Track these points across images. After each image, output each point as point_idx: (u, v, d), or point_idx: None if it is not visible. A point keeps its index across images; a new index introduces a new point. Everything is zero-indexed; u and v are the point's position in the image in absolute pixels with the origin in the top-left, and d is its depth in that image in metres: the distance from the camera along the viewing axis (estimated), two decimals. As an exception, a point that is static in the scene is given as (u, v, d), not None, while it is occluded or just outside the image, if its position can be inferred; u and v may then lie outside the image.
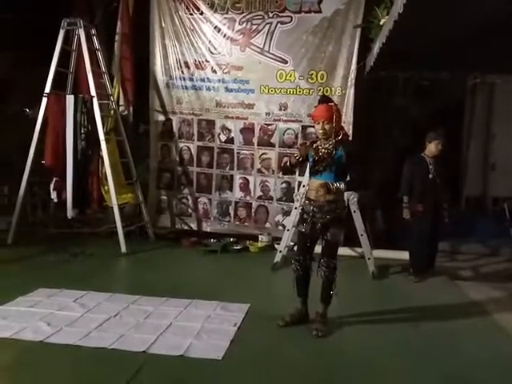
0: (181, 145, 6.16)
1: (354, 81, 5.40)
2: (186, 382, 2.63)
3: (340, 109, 3.50)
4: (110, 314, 3.50)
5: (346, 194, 4.71)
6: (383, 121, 5.66)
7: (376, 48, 4.50)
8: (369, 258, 4.82)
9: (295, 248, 3.87)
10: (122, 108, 6.14)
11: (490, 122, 6.93)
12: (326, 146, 3.22)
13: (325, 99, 3.33)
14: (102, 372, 2.70)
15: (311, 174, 3.34)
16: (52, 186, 5.58)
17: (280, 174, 5.75)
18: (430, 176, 4.67)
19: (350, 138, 4.03)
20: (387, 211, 5.97)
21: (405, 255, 5.06)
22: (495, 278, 4.89)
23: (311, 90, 5.60)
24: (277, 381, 2.70)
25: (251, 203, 5.98)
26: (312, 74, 5.57)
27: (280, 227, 5.80)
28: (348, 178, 3.27)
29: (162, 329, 3.25)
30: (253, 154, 5.90)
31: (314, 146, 3.28)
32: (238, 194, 6.01)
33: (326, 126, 3.20)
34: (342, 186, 3.22)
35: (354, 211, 4.77)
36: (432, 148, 4.63)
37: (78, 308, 3.62)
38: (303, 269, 3.36)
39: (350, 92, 5.45)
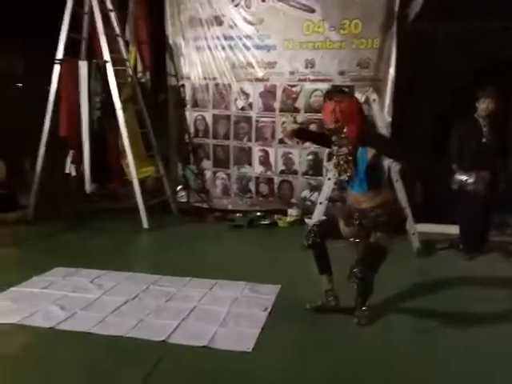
0: (195, 114, 5.68)
1: (395, 32, 4.73)
2: (212, 378, 2.29)
3: (350, 99, 2.78)
4: (128, 296, 3.20)
5: (387, 160, 4.34)
6: (427, 80, 4.99)
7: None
8: (413, 233, 4.31)
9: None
10: (139, 75, 5.73)
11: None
12: (343, 152, 2.72)
13: (330, 94, 2.76)
14: (117, 365, 2.40)
15: (341, 184, 2.89)
16: (69, 160, 5.31)
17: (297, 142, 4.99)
18: (484, 140, 4.09)
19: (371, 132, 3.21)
20: (429, 182, 5.41)
21: (451, 229, 4.56)
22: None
23: (343, 43, 4.95)
24: (315, 377, 2.32)
25: (273, 178, 5.46)
26: (344, 24, 4.91)
27: (308, 203, 5.33)
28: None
29: (184, 313, 2.92)
30: (274, 122, 5.33)
31: (334, 154, 2.79)
32: (257, 168, 5.49)
33: (334, 130, 2.69)
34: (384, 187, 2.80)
35: (397, 180, 4.26)
36: (482, 108, 4.04)
37: (94, 289, 3.34)
38: (314, 240, 2.89)
39: (391, 45, 4.79)
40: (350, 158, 2.71)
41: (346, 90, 3.82)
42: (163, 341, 2.58)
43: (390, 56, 4.85)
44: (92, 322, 2.80)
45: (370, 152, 2.67)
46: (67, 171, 5.39)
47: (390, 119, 4.92)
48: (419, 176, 4.95)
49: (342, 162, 2.74)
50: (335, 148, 2.79)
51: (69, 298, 3.17)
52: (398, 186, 4.26)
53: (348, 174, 2.73)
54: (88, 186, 5.26)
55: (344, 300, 2.92)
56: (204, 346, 2.52)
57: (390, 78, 4.89)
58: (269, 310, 2.99)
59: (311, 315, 2.94)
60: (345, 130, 2.67)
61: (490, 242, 4.47)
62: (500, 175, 4.17)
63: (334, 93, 2.81)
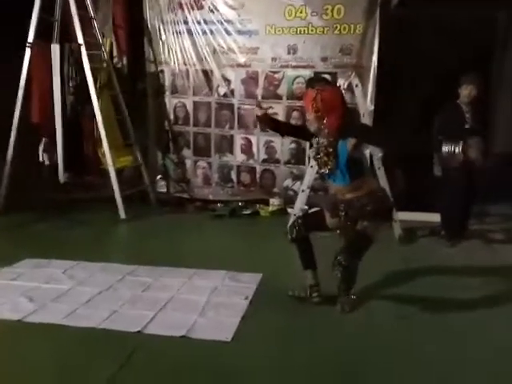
0: (175, 100, 5.50)
1: (378, 17, 4.65)
2: (189, 369, 2.18)
3: (333, 88, 2.73)
4: (102, 287, 3.06)
5: (370, 148, 4.28)
6: (410, 66, 4.94)
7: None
8: (395, 221, 4.28)
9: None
10: (115, 60, 5.51)
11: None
12: (323, 143, 2.61)
13: (312, 82, 2.68)
14: (89, 357, 2.26)
15: (322, 178, 2.79)
16: (41, 148, 5.08)
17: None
18: (467, 126, 4.06)
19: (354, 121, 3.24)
20: (409, 170, 5.39)
21: (432, 217, 4.55)
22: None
23: (326, 29, 4.84)
24: (297, 366, 2.23)
25: (255, 167, 5.34)
26: (327, 9, 4.80)
27: (290, 192, 5.24)
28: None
29: (161, 303, 2.80)
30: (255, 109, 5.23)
31: (314, 145, 2.69)
32: (239, 156, 5.37)
33: (313, 119, 2.58)
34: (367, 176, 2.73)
35: (379, 168, 4.21)
36: (465, 94, 4.01)
37: (66, 280, 3.18)
38: (299, 234, 2.80)
39: (374, 31, 4.71)
40: (331, 149, 2.60)
41: (329, 78, 3.72)
42: (138, 331, 2.46)
43: (373, 42, 4.77)
44: (62, 313, 2.65)
45: (350, 143, 2.57)
46: (40, 160, 5.15)
47: (372, 107, 4.86)
48: (402, 157, 4.91)
49: (321, 155, 2.63)
50: (315, 140, 2.69)
51: (38, 290, 3.00)
52: (381, 174, 4.22)
53: (329, 167, 2.62)
54: (62, 176, 5.04)
55: (326, 288, 2.84)
56: (182, 336, 2.41)
57: (372, 65, 4.82)
58: (250, 298, 2.89)
59: (293, 303, 2.85)
60: (325, 121, 2.55)
61: (470, 231, 4.48)
62: (482, 161, 4.16)
63: (316, 81, 2.72)
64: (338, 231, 2.79)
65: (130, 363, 2.20)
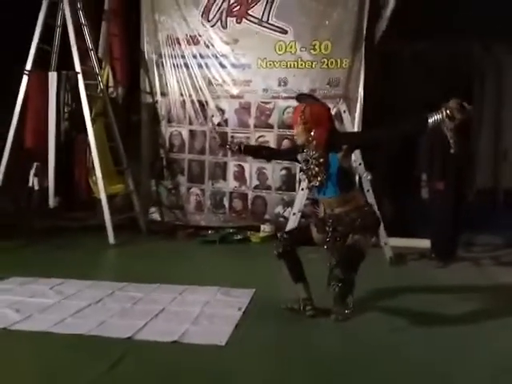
0: (171, 129, 5.64)
1: (363, 52, 4.93)
2: (182, 371, 2.11)
3: (321, 105, 2.83)
4: (91, 300, 2.98)
5: (359, 170, 4.39)
6: (394, 98, 5.19)
7: (388, 9, 4.10)
8: (385, 243, 4.31)
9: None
10: (110, 90, 5.67)
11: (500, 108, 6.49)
12: (314, 155, 2.66)
13: (302, 97, 2.83)
14: (78, 360, 2.18)
15: (311, 190, 2.88)
16: (32, 172, 5.07)
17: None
18: (452, 151, 4.21)
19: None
20: (397, 197, 5.50)
21: (422, 243, 4.62)
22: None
23: (314, 63, 5.10)
24: (289, 371, 2.18)
25: (247, 194, 5.41)
26: (315, 45, 5.08)
27: (281, 219, 5.28)
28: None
29: (152, 314, 2.73)
30: (248, 138, 5.33)
31: (303, 157, 2.75)
32: (232, 183, 5.45)
33: (301, 131, 2.68)
34: (356, 190, 2.82)
35: (368, 190, 4.29)
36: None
37: (53, 295, 3.09)
38: (285, 248, 2.81)
39: (360, 65, 4.97)
40: (321, 160, 2.65)
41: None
42: (129, 338, 2.38)
43: (359, 75, 5.02)
44: (50, 322, 2.57)
45: (341, 153, 2.64)
46: (30, 184, 5.13)
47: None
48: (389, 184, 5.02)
49: (312, 166, 2.67)
50: (304, 153, 2.74)
51: (25, 303, 2.92)
52: (369, 196, 4.29)
53: (319, 179, 2.66)
54: (52, 200, 5.01)
55: (319, 302, 2.81)
56: (174, 342, 2.34)
57: (359, 96, 5.05)
58: (243, 309, 2.84)
59: (286, 315, 2.82)
60: (312, 133, 2.63)
61: (460, 257, 4.53)
62: (468, 185, 4.30)
63: (306, 97, 2.84)
64: (326, 247, 2.79)
65: (119, 367, 2.11)
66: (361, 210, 2.70)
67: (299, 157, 2.80)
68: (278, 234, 3.07)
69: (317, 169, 2.66)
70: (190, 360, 2.20)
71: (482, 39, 5.32)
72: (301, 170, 2.87)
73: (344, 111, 4.40)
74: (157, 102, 5.63)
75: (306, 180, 2.83)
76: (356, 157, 4.36)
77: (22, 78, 4.96)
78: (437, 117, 2.43)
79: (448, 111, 2.43)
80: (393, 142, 3.56)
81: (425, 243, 4.57)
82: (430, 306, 3.04)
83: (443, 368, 2.22)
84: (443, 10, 4.09)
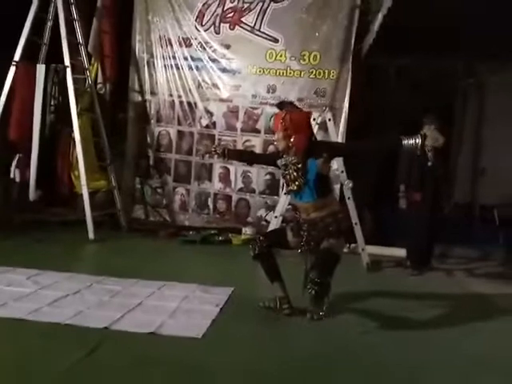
0: (159, 129, 5.67)
1: (350, 65, 5.07)
2: (158, 361, 2.12)
3: (301, 112, 2.94)
4: (68, 291, 2.97)
5: (341, 177, 4.49)
6: (379, 110, 5.35)
7: (376, 24, 4.24)
8: (362, 249, 4.42)
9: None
10: (99, 86, 5.67)
11: (480, 126, 6.73)
12: (292, 161, 2.74)
13: (283, 105, 2.88)
14: (54, 348, 2.18)
15: (288, 194, 2.95)
16: (14, 164, 5.01)
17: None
18: (429, 163, 4.36)
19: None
20: (376, 210, 5.64)
21: (398, 252, 4.74)
22: (493, 278, 4.57)
23: (303, 72, 5.23)
24: (265, 362, 2.22)
25: (231, 196, 5.48)
26: (304, 55, 5.21)
27: (264, 222, 5.34)
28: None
29: (129, 307, 2.73)
30: (235, 141, 5.42)
31: (283, 162, 2.81)
32: (217, 185, 5.51)
33: (281, 137, 2.75)
34: (332, 196, 2.91)
35: (348, 198, 4.40)
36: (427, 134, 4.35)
37: (30, 284, 3.07)
38: (261, 250, 2.86)
39: (347, 77, 5.10)
40: (299, 165, 2.72)
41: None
42: (105, 328, 2.39)
43: (346, 86, 5.15)
44: (26, 311, 2.55)
45: (320, 160, 2.71)
46: (11, 176, 5.06)
47: (344, 144, 5.15)
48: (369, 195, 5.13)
49: (290, 171, 2.75)
50: (281, 161, 2.81)
51: (0, 291, 2.88)
52: (350, 203, 4.40)
53: (297, 184, 2.73)
54: (33, 193, 4.95)
55: (295, 302, 2.86)
56: (151, 333, 2.36)
57: (344, 107, 5.17)
58: (221, 306, 2.88)
59: (263, 312, 2.87)
60: (292, 140, 2.70)
61: (434, 267, 4.66)
62: (444, 199, 4.45)
63: (286, 104, 2.91)
64: (299, 250, 2.86)
65: (95, 355, 2.12)
66: (335, 216, 2.78)
67: (279, 162, 2.86)
68: (255, 236, 3.12)
69: (295, 174, 2.74)
70: (167, 350, 2.22)
71: (465, 58, 5.52)
72: (281, 174, 2.94)
73: (329, 119, 4.53)
74: (146, 100, 5.65)
75: (285, 184, 2.90)
76: (338, 165, 4.49)
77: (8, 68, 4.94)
78: (411, 141, 2.57)
79: (422, 139, 2.56)
80: (367, 155, 3.75)
81: (401, 252, 4.70)
82: (402, 310, 3.13)
83: (410, 368, 2.29)
84: (429, 28, 4.24)
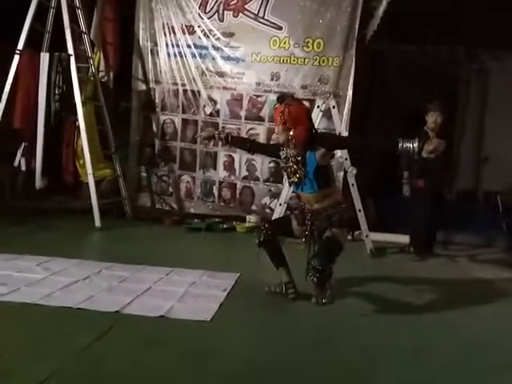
0: (164, 117, 5.69)
1: (354, 52, 5.04)
2: (168, 343, 2.19)
3: (300, 105, 2.90)
4: (78, 277, 3.02)
5: (345, 164, 4.51)
6: (383, 96, 5.34)
7: (380, 10, 4.22)
8: (366, 236, 4.47)
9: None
10: (101, 74, 5.67)
11: (483, 113, 6.71)
12: (292, 153, 2.77)
13: (281, 98, 2.85)
14: (67, 330, 2.24)
15: (290, 186, 2.98)
16: (20, 153, 5.05)
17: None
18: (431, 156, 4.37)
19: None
20: (380, 196, 5.66)
21: (401, 239, 4.79)
22: (495, 264, 4.61)
23: (306, 60, 5.22)
24: (270, 346, 2.28)
25: (236, 184, 5.52)
26: (308, 42, 5.20)
27: (268, 210, 5.39)
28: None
29: (138, 292, 2.79)
30: (239, 129, 5.44)
31: (283, 154, 2.85)
32: (221, 173, 5.55)
33: (281, 130, 2.77)
34: (334, 186, 2.95)
35: (352, 185, 4.43)
36: (431, 120, 4.36)
37: (40, 271, 3.13)
38: (266, 237, 2.91)
39: (350, 64, 5.09)
40: (299, 158, 2.75)
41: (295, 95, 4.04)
42: (116, 312, 2.45)
43: (349, 74, 5.14)
44: (38, 295, 2.61)
45: (319, 152, 2.74)
46: (16, 165, 5.11)
47: (347, 133, 5.15)
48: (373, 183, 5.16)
49: (291, 164, 2.79)
50: (283, 152, 2.85)
51: (12, 277, 2.94)
52: (354, 190, 4.44)
53: (298, 176, 2.77)
54: (38, 182, 5.00)
55: (301, 287, 2.91)
56: (161, 316, 2.42)
57: (348, 95, 5.17)
58: (228, 290, 2.94)
59: (269, 297, 2.93)
60: (291, 133, 2.73)
61: (437, 253, 4.71)
62: (447, 185, 4.48)
63: (285, 97, 2.92)
64: (303, 239, 2.90)
65: (106, 337, 2.18)
66: (337, 207, 2.82)
67: (281, 154, 2.90)
68: (260, 224, 3.17)
69: (295, 166, 2.77)
70: (177, 333, 2.29)
71: (469, 45, 5.50)
72: (281, 166, 2.97)
73: (333, 106, 4.54)
74: (150, 89, 5.66)
75: (286, 176, 2.93)
76: (342, 152, 4.51)
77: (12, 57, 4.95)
78: (408, 144, 2.57)
79: (418, 144, 2.57)
80: (366, 151, 3.98)
81: (405, 239, 4.75)
82: (405, 295, 3.18)
83: (412, 352, 2.33)
84: (434, 14, 4.23)
